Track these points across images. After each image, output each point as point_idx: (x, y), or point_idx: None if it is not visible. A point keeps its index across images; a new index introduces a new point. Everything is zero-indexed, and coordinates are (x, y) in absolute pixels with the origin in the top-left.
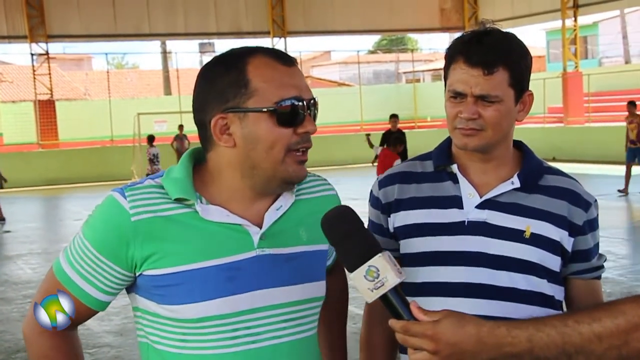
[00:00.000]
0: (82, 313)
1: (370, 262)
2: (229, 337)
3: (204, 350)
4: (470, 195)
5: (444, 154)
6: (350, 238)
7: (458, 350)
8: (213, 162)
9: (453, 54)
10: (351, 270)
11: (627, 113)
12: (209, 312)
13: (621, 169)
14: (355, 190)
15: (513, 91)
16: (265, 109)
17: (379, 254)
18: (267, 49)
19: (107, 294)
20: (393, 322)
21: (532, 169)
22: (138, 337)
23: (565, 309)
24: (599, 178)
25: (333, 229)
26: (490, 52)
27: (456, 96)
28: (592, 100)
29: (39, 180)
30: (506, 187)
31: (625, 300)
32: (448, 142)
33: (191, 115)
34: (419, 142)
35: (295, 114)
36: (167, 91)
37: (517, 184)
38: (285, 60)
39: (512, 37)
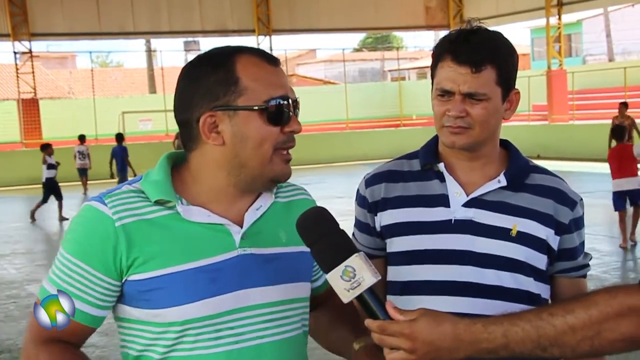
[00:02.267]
0: (78, 332)
1: (346, 262)
2: (212, 338)
3: (188, 351)
4: (457, 194)
5: (430, 153)
6: (325, 239)
7: (435, 348)
8: (196, 161)
9: (440, 53)
10: (327, 271)
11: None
12: (192, 315)
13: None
14: (340, 188)
15: (500, 89)
16: (256, 107)
17: (355, 254)
18: (252, 48)
19: (100, 308)
20: (369, 322)
21: (518, 168)
22: (121, 347)
23: None
24: (583, 175)
25: (308, 230)
26: (478, 51)
27: (444, 94)
28: (576, 97)
29: (23, 179)
30: (493, 185)
31: (598, 292)
32: (435, 140)
33: None
34: (405, 140)
35: (283, 112)
36: (152, 89)
37: (504, 183)
38: (270, 60)
39: (499, 36)
